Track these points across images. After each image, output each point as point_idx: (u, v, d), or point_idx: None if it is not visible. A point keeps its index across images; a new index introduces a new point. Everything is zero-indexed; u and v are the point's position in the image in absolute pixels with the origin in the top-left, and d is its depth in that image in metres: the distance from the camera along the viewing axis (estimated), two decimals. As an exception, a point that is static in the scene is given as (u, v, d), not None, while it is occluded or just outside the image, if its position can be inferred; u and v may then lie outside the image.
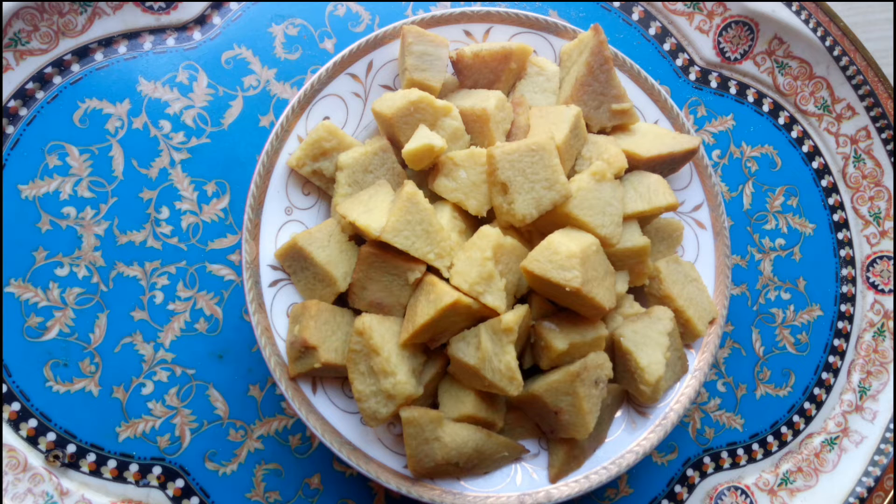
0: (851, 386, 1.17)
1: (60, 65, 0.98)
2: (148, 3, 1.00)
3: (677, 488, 1.08)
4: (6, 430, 0.91)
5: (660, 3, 1.13)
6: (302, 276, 0.88)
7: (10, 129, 0.96)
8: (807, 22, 1.13)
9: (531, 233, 0.88)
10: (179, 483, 0.95)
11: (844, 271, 1.19)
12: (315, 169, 0.89)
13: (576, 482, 0.90)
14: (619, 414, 0.95)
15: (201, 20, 1.03)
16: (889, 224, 1.19)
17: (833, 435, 1.15)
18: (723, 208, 1.00)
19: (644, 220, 0.93)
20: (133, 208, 0.98)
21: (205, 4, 1.02)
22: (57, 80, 0.98)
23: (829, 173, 1.19)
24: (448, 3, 1.09)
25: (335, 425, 0.88)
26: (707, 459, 1.10)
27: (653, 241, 0.97)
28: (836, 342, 1.17)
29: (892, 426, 1.14)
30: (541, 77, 0.96)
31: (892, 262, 1.18)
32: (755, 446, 1.12)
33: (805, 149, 1.19)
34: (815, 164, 1.19)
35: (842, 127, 1.19)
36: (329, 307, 0.86)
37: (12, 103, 0.96)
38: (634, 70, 0.99)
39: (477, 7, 0.98)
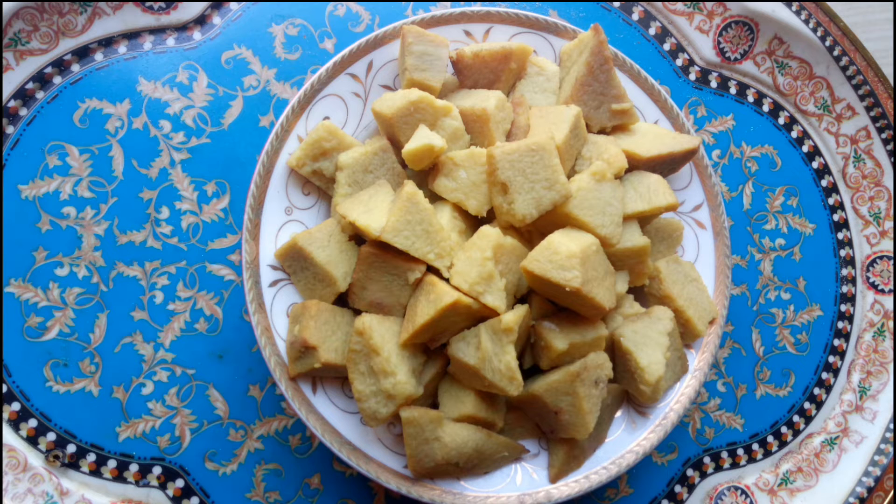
0: (851, 386, 1.17)
1: (60, 65, 0.98)
2: (148, 3, 1.00)
3: (677, 488, 1.08)
4: (6, 430, 0.91)
5: (660, 3, 1.13)
6: (302, 276, 0.88)
7: (10, 129, 0.96)
8: (807, 22, 1.13)
9: (531, 233, 0.88)
10: (179, 483, 0.95)
11: (844, 271, 1.19)
12: (315, 169, 0.89)
13: (576, 482, 0.90)
14: (619, 414, 0.95)
15: (201, 20, 1.03)
16: (889, 224, 1.19)
17: (833, 435, 1.15)
18: (723, 208, 1.00)
19: (644, 220, 0.93)
20: (133, 208, 0.98)
21: (205, 4, 1.02)
22: (57, 80, 0.98)
23: (829, 173, 1.19)
24: (448, 3, 1.08)
25: (335, 425, 0.88)
26: (707, 459, 1.10)
27: (653, 241, 0.97)
28: (836, 342, 1.17)
29: (892, 426, 1.14)
30: (541, 77, 0.96)
31: (892, 262, 1.18)
32: (755, 446, 1.12)
33: (805, 149, 1.19)
34: (815, 164, 1.19)
35: (842, 127, 1.19)
36: (329, 307, 0.86)
37: (12, 103, 0.96)
38: (634, 70, 0.99)
39: (477, 7, 0.98)
